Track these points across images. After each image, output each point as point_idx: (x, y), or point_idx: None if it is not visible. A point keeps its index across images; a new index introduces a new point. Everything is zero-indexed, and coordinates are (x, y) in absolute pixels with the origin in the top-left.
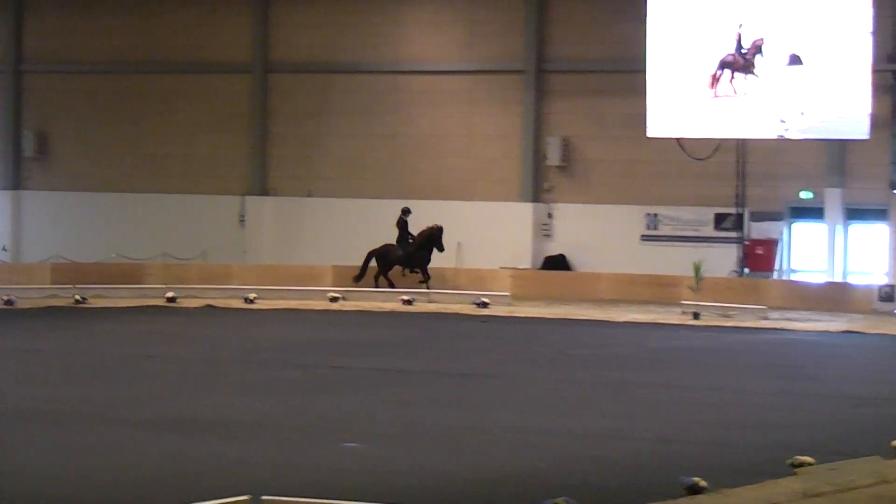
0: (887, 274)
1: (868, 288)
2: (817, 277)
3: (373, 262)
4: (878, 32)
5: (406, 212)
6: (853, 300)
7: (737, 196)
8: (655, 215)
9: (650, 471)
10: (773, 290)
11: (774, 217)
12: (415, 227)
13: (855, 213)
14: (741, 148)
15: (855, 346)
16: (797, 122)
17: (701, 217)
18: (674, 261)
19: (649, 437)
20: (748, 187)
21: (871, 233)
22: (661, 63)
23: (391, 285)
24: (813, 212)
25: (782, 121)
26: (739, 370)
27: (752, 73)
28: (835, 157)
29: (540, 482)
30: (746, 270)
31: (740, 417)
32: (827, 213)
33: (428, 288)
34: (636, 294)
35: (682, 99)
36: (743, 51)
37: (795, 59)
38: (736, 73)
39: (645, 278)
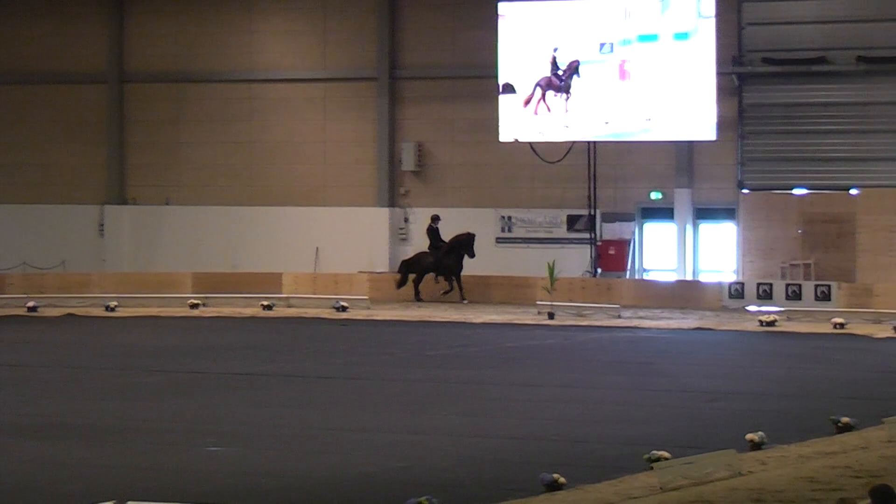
0: (735, 272)
1: (718, 285)
2: (668, 276)
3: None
4: (722, 36)
5: (435, 219)
6: (704, 298)
7: (589, 198)
8: (509, 218)
9: (510, 468)
10: (626, 290)
11: (626, 218)
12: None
13: (704, 213)
14: (592, 150)
15: (706, 343)
16: (645, 125)
17: (554, 219)
18: (528, 262)
19: (508, 435)
20: (599, 189)
21: (720, 232)
22: (511, 68)
23: (417, 298)
24: (663, 212)
25: (606, 122)
26: (595, 368)
27: (568, 93)
28: (683, 158)
29: (401, 481)
30: (599, 270)
31: (597, 414)
32: (677, 213)
33: (463, 298)
34: (492, 295)
35: (530, 105)
36: (559, 72)
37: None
38: (549, 93)
39: (500, 280)
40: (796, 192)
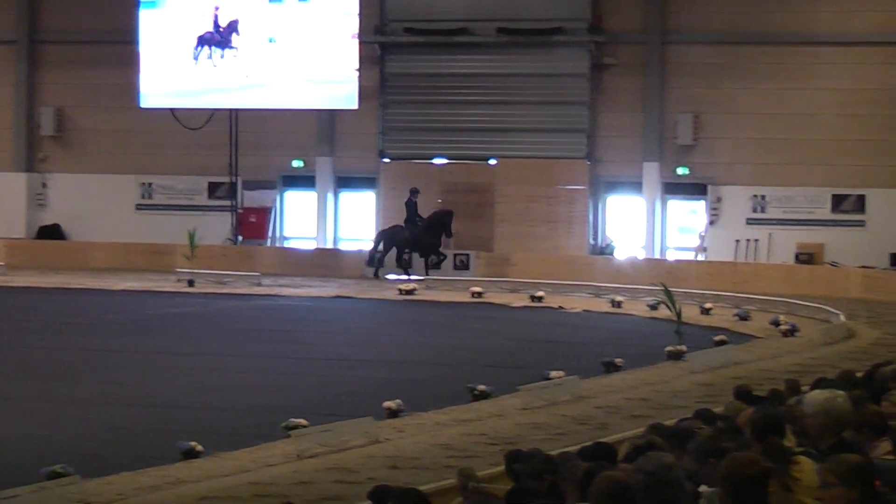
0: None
1: (358, 254)
2: (309, 244)
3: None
4: (365, 5)
5: (414, 192)
6: (344, 266)
7: (230, 165)
8: (150, 185)
9: (148, 436)
10: (267, 258)
11: (267, 186)
12: None
13: (345, 182)
14: (234, 118)
15: (346, 311)
16: (287, 92)
17: (195, 186)
18: (169, 229)
19: (147, 403)
20: (241, 156)
21: (361, 200)
22: (153, 35)
23: (376, 275)
24: (304, 180)
25: (252, 86)
26: (234, 336)
27: (230, 47)
28: (325, 127)
29: (38, 450)
30: (240, 238)
31: (236, 382)
32: (318, 181)
33: (427, 273)
34: (132, 262)
35: (174, 71)
36: (220, 28)
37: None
38: (214, 49)
39: (140, 247)
40: (437, 161)
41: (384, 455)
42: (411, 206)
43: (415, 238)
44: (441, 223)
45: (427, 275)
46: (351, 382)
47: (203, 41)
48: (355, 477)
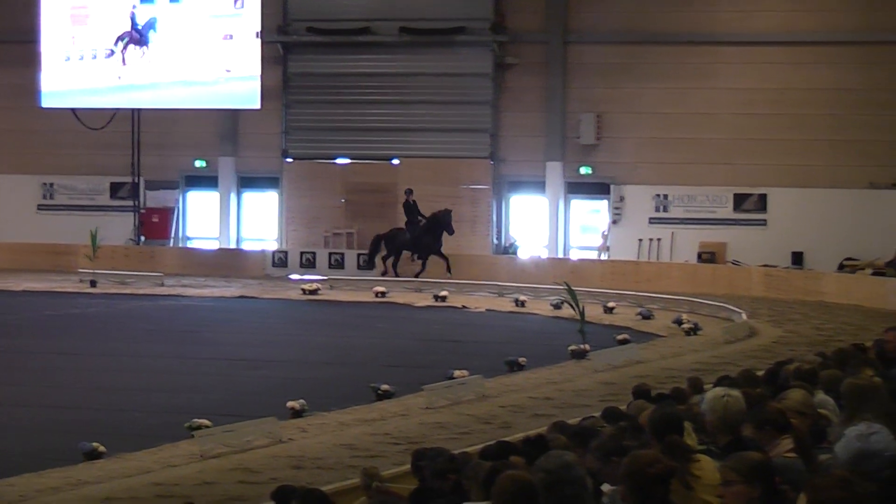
0: (279, 240)
1: (262, 254)
2: (212, 245)
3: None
4: (267, 5)
5: (409, 192)
6: (247, 266)
7: (132, 165)
8: (52, 185)
9: (49, 437)
10: (170, 258)
11: (170, 186)
12: None
13: (248, 182)
14: (136, 117)
15: (249, 311)
16: (190, 92)
17: (97, 186)
18: (71, 230)
19: (47, 404)
20: (144, 156)
21: (264, 200)
22: (55, 35)
23: (396, 275)
24: (207, 180)
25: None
26: (137, 336)
27: (147, 45)
28: (228, 126)
29: None
30: (143, 238)
31: (139, 383)
32: (221, 181)
33: (448, 270)
34: (33, 263)
35: (75, 71)
36: (138, 26)
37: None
38: (131, 46)
39: (42, 247)
40: (339, 161)
41: (287, 455)
42: (409, 206)
43: (414, 239)
44: (441, 222)
45: (448, 270)
46: (254, 382)
47: (121, 39)
48: (258, 477)
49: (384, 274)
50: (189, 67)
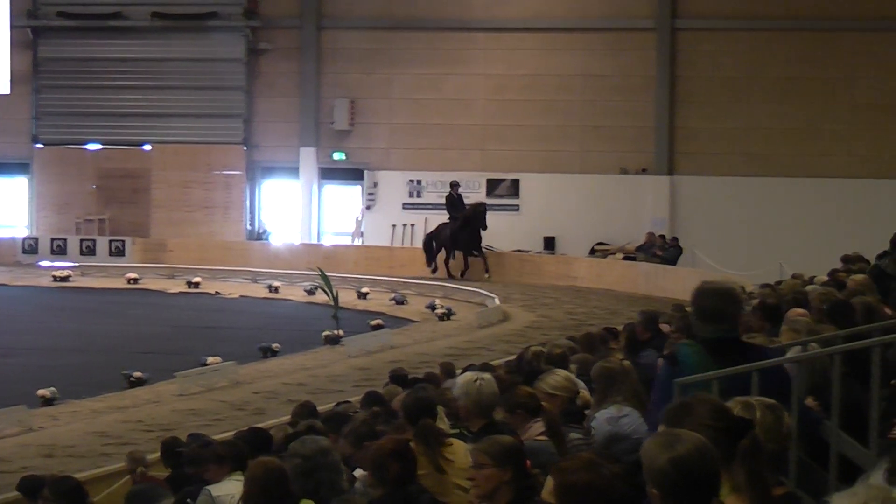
0: (29, 227)
1: (11, 240)
2: None
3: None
4: None
5: (455, 185)
6: None
7: None
8: None
9: None
10: None
11: None
12: None
13: None
14: None
15: (0, 298)
16: None
17: None
18: None
19: None
20: None
21: (14, 186)
22: None
23: (449, 275)
24: None
25: None
26: None
27: None
28: None
29: None
30: None
31: None
32: None
33: (486, 271)
34: None
35: None
36: None
37: None
38: None
39: None
40: (91, 147)
41: (38, 444)
42: (452, 200)
43: (453, 235)
44: (475, 217)
45: (486, 271)
46: (4, 371)
47: None
48: (8, 466)
49: (450, 276)
50: None
